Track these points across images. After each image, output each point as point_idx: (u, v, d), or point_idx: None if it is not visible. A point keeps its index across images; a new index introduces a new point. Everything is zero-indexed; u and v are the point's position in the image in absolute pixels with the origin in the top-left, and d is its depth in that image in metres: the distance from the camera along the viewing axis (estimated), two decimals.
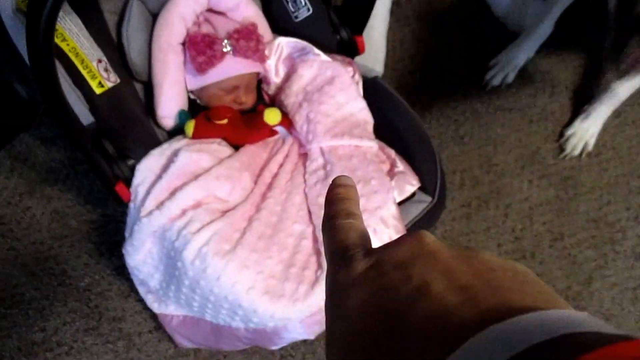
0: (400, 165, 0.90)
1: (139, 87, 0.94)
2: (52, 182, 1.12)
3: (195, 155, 0.83)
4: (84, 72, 0.80)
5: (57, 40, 0.77)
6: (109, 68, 0.85)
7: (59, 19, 0.81)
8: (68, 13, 0.81)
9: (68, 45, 0.79)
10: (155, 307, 0.92)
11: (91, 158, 0.78)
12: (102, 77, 0.82)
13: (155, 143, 0.89)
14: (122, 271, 1.04)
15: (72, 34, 0.80)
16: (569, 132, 1.20)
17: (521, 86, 1.28)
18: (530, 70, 1.28)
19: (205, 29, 0.90)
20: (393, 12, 1.32)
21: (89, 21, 0.83)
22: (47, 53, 0.57)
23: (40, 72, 0.59)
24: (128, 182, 0.85)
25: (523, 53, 1.23)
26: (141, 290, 0.93)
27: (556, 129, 1.24)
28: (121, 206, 1.02)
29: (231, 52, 0.89)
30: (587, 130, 1.19)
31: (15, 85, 1.12)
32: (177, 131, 0.92)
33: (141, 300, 0.98)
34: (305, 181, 0.87)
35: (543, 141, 1.25)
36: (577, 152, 1.20)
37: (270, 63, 0.96)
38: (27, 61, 0.73)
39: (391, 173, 0.89)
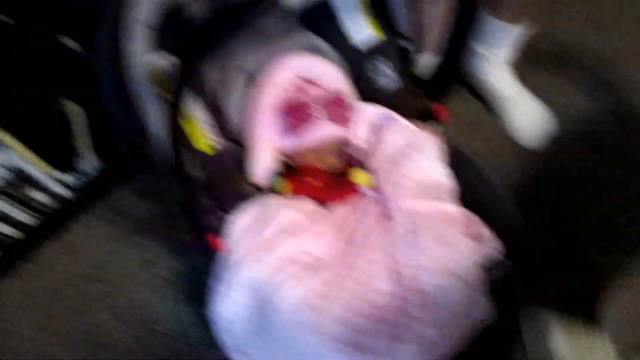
0: (484, 231, 0.92)
1: (234, 146, 1.02)
2: (145, 233, 1.21)
3: (291, 213, 0.89)
4: (197, 136, 0.89)
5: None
6: (216, 132, 0.93)
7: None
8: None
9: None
10: (239, 358, 0.96)
11: (194, 209, 0.85)
12: (210, 140, 0.91)
13: (248, 198, 0.96)
14: (205, 320, 1.09)
15: (186, 103, 0.90)
16: None
17: None
18: None
19: (299, 95, 0.98)
20: None
21: (196, 90, 0.93)
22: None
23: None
24: (221, 234, 0.91)
25: None
26: (225, 339, 0.97)
27: None
28: (208, 257, 1.09)
29: (323, 117, 0.96)
30: None
31: (119, 142, 1.24)
32: (268, 189, 0.99)
33: (223, 350, 1.02)
34: (391, 242, 0.91)
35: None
36: None
37: (357, 129, 1.02)
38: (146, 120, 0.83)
39: (475, 238, 0.91)
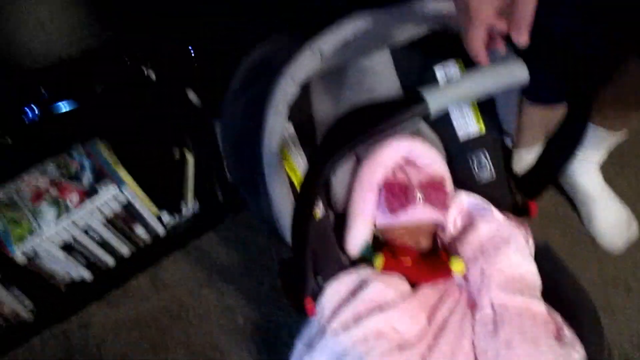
0: (567, 332, 0.93)
1: (331, 215, 1.08)
2: (228, 279, 1.27)
3: (382, 287, 0.93)
4: None
5: (289, 172, 0.94)
6: (320, 200, 0.99)
7: (293, 155, 0.99)
8: (298, 150, 0.98)
9: (297, 177, 0.95)
10: None
11: (302, 270, 0.90)
12: (317, 209, 0.97)
13: (341, 267, 1.01)
14: None
15: (299, 167, 0.97)
16: None
17: None
18: None
19: (401, 176, 1.04)
20: None
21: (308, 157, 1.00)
22: (315, 192, 0.71)
23: (302, 209, 0.73)
24: (314, 297, 0.96)
25: None
26: None
27: None
28: (287, 314, 1.13)
29: (421, 200, 1.01)
30: None
31: (217, 190, 1.33)
32: (358, 259, 1.03)
33: None
34: (474, 330, 0.93)
35: None
36: None
37: (451, 214, 1.06)
38: (265, 185, 0.90)
39: (558, 337, 0.92)
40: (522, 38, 0.63)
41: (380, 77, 1.07)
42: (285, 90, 0.82)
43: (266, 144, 0.86)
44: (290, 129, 0.99)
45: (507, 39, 0.67)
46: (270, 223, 0.93)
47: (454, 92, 0.68)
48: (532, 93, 1.12)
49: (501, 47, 0.70)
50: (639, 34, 0.93)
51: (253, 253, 1.31)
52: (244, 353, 1.17)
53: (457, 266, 0.96)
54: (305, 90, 1.02)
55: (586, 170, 1.35)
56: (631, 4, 0.82)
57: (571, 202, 1.42)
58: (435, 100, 0.67)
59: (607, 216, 1.34)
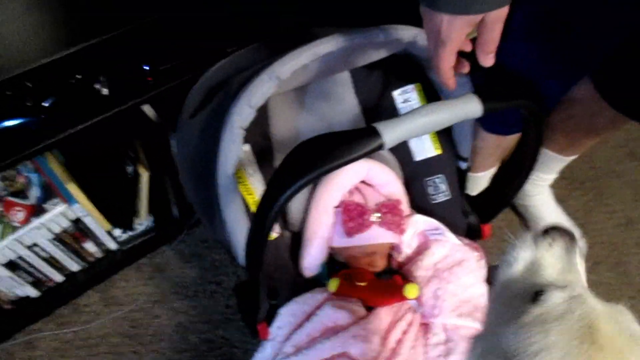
0: None
1: (286, 235, 1.07)
2: (182, 296, 1.24)
3: (336, 311, 0.93)
4: None
5: (245, 195, 0.93)
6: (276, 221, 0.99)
7: (250, 177, 0.97)
8: (254, 172, 0.97)
9: (253, 199, 0.94)
10: None
11: (256, 296, 0.89)
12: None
13: (295, 288, 1.00)
14: None
15: (256, 189, 0.96)
16: None
17: None
18: None
19: (357, 197, 1.04)
20: None
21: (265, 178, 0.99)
22: (271, 224, 0.70)
23: (257, 237, 0.73)
24: (268, 321, 0.95)
25: None
26: None
27: None
28: (240, 335, 1.12)
29: (378, 222, 1.01)
30: None
31: (172, 205, 1.30)
32: (313, 280, 1.03)
33: None
34: (426, 352, 0.94)
35: None
36: None
37: (406, 236, 1.07)
38: (221, 209, 0.89)
39: None
40: (488, 60, 0.65)
41: (340, 100, 1.07)
42: (241, 115, 0.81)
43: (221, 168, 0.84)
44: (247, 150, 0.98)
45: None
46: (224, 245, 0.92)
47: (409, 127, 0.68)
48: (488, 123, 1.14)
49: (466, 69, 0.71)
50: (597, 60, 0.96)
51: (208, 269, 1.29)
52: None
53: (411, 293, 0.96)
54: (263, 110, 1.01)
55: (538, 191, 1.38)
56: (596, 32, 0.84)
57: (524, 221, 1.46)
58: (390, 135, 0.67)
59: None
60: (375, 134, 0.67)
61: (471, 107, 0.71)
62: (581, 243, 1.40)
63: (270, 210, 0.69)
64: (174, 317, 1.22)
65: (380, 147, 0.67)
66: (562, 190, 1.52)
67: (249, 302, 0.91)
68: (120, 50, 0.96)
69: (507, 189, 1.04)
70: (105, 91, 0.97)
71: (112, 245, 1.24)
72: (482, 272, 1.05)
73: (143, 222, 1.25)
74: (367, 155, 0.67)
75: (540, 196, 1.39)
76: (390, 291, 0.99)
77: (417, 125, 0.69)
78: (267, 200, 0.69)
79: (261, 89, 0.81)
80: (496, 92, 0.75)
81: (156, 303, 1.23)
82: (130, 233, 1.25)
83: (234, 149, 0.83)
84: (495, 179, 1.05)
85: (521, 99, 0.76)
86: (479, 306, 1.00)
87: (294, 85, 0.99)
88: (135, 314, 1.22)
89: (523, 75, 0.93)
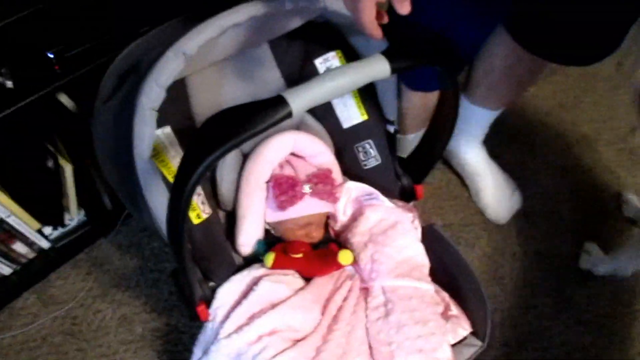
0: (454, 309, 0.98)
1: (221, 214, 1.05)
2: (123, 287, 1.22)
3: (274, 286, 0.93)
4: None
5: (169, 177, 0.91)
6: (205, 200, 0.97)
7: (172, 159, 0.95)
8: (177, 153, 0.95)
9: None
10: None
11: (187, 279, 0.88)
12: (199, 210, 0.94)
13: (233, 268, 0.99)
14: None
15: None
16: None
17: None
18: None
19: (288, 170, 1.04)
20: None
21: None
22: (187, 205, 0.69)
23: (175, 220, 0.71)
24: (207, 302, 0.94)
25: None
26: None
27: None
28: (187, 320, 1.10)
29: (309, 193, 1.01)
30: None
31: (103, 197, 1.26)
32: (252, 257, 1.02)
33: None
34: (367, 316, 0.95)
35: (576, 286, 1.33)
36: None
37: (340, 204, 1.07)
38: (143, 194, 0.87)
39: (446, 316, 0.97)
40: (404, 7, 0.66)
41: (262, 74, 1.05)
42: (150, 96, 0.79)
43: (137, 152, 0.82)
44: (168, 132, 0.95)
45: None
46: (153, 231, 0.90)
47: (317, 92, 0.67)
48: (410, 81, 1.14)
49: (385, 20, 0.72)
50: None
51: (148, 257, 1.26)
52: None
53: (345, 259, 0.97)
54: (182, 90, 0.99)
55: (470, 147, 1.41)
56: None
57: (461, 179, 1.49)
58: (298, 103, 0.67)
59: (492, 189, 1.42)
60: (283, 102, 0.66)
61: (379, 68, 0.71)
62: (517, 195, 1.44)
63: (183, 189, 0.67)
64: (117, 310, 1.19)
65: (289, 114, 0.67)
66: (496, 146, 1.55)
67: (182, 285, 0.90)
68: (20, 38, 0.91)
69: (434, 147, 1.05)
70: (9, 84, 0.92)
71: (45, 244, 1.20)
72: (417, 232, 1.06)
73: (74, 217, 1.21)
74: (277, 124, 0.66)
75: (473, 152, 1.41)
76: (326, 260, 0.99)
77: (324, 90, 0.68)
78: (180, 180, 0.68)
79: (168, 67, 0.78)
80: (404, 51, 0.74)
81: (97, 297, 1.20)
82: (62, 230, 1.21)
83: (146, 131, 0.80)
84: (422, 139, 1.06)
85: (429, 56, 0.76)
86: (416, 265, 1.01)
87: (209, 61, 0.97)
88: (76, 311, 1.19)
89: (438, 22, 0.93)
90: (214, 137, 0.66)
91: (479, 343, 0.97)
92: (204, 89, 1.02)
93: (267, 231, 1.06)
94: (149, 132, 0.80)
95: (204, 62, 0.96)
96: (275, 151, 1.03)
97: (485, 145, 1.46)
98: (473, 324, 0.98)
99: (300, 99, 0.66)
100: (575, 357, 1.22)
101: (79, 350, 1.14)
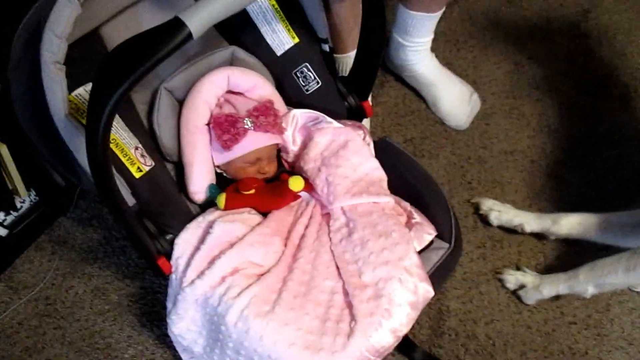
0: (417, 217, 0.97)
1: (170, 166, 1.02)
2: (91, 260, 1.20)
3: (229, 226, 0.91)
4: (124, 160, 0.89)
5: None
6: (145, 153, 0.94)
7: None
8: None
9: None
10: None
11: (136, 237, 0.86)
12: (140, 163, 0.91)
13: (190, 217, 0.97)
14: (164, 340, 1.10)
15: (112, 127, 0.89)
16: None
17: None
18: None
19: (227, 109, 1.00)
20: None
21: (124, 113, 0.93)
22: (105, 151, 0.66)
23: (98, 166, 0.68)
24: (168, 255, 0.92)
25: None
26: (185, 357, 0.99)
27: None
28: (161, 278, 1.09)
29: (252, 128, 0.98)
30: None
31: (52, 174, 1.22)
32: (209, 204, 1.00)
33: None
34: (330, 239, 0.94)
35: (546, 179, 1.32)
36: None
37: (288, 134, 1.05)
38: (75, 156, 0.83)
39: (409, 224, 0.96)
40: None
41: (178, 5, 0.99)
42: (51, 49, 0.75)
43: (53, 111, 0.79)
44: (89, 90, 0.91)
45: None
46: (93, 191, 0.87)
47: (213, 9, 0.63)
48: None
49: None
50: None
51: (112, 227, 1.24)
52: (126, 329, 1.12)
53: (295, 185, 0.95)
54: (98, 42, 0.93)
55: (420, 58, 1.37)
56: None
57: (417, 92, 1.45)
58: (196, 22, 0.63)
59: (449, 97, 1.39)
60: (180, 24, 0.62)
61: None
62: (475, 98, 1.41)
63: (96, 132, 0.64)
64: (89, 283, 1.17)
65: (190, 36, 0.63)
66: (447, 52, 1.51)
67: (133, 242, 0.88)
68: None
69: (370, 58, 1.02)
70: None
71: (1, 231, 1.16)
72: (369, 148, 1.04)
73: (24, 198, 1.17)
74: (178, 47, 0.63)
75: (424, 62, 1.37)
76: (279, 192, 0.97)
77: (221, 5, 0.64)
78: (91, 123, 0.64)
79: (63, 14, 0.74)
80: None
81: (67, 275, 1.18)
82: (17, 214, 1.18)
83: (57, 88, 0.77)
84: (357, 53, 1.02)
85: None
86: (373, 181, 1.00)
87: (118, 5, 0.91)
88: (47, 291, 1.17)
89: None
90: (116, 73, 0.62)
91: (445, 245, 0.97)
92: (121, 37, 0.96)
93: (220, 176, 1.03)
94: (60, 89, 0.76)
95: (111, 7, 0.91)
96: (209, 91, 0.99)
97: (436, 54, 1.42)
98: (438, 228, 0.98)
99: (197, 18, 0.62)
100: (550, 246, 1.22)
101: (57, 329, 1.13)
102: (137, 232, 0.86)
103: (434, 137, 1.39)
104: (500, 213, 1.22)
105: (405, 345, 1.07)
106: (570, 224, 1.15)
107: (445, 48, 1.52)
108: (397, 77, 1.46)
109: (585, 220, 1.14)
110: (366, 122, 1.13)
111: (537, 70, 1.51)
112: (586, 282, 1.05)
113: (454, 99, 1.39)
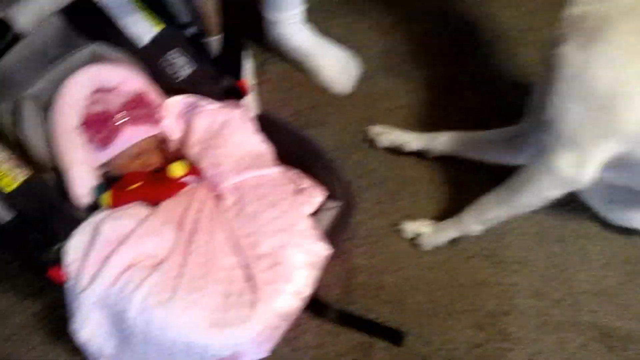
0: (305, 182, 1.00)
1: (52, 175, 0.99)
2: None
3: (116, 223, 0.90)
4: None
5: None
6: (16, 165, 0.90)
7: None
8: None
9: None
10: None
11: (18, 253, 0.83)
12: (10, 176, 0.88)
13: (78, 223, 0.95)
14: (78, 351, 1.07)
15: None
16: None
17: None
18: None
19: (98, 107, 0.98)
20: None
21: None
22: None
23: None
24: (60, 265, 0.90)
25: None
26: None
27: None
28: (61, 290, 1.06)
29: (127, 122, 0.96)
30: None
31: None
32: (98, 207, 0.98)
33: None
34: (225, 219, 0.95)
35: (431, 125, 1.39)
36: None
37: (167, 123, 1.04)
38: None
39: (298, 191, 0.99)
40: None
41: None
42: None
43: None
44: None
45: None
46: None
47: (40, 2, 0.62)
48: None
49: None
50: None
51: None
52: (38, 348, 1.09)
53: (174, 171, 0.95)
54: None
55: (295, 30, 1.39)
56: None
57: (298, 65, 1.47)
58: (23, 19, 0.61)
59: (329, 64, 1.42)
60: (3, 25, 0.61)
61: None
62: (354, 62, 1.45)
63: None
64: None
65: (17, 37, 0.61)
66: (322, 22, 1.53)
67: (15, 255, 0.85)
68: None
69: (234, 35, 1.03)
70: None
71: None
72: (250, 124, 1.05)
73: None
74: (8, 49, 0.61)
75: (299, 35, 1.40)
76: (165, 181, 0.97)
77: None
78: None
79: None
80: None
81: None
82: None
83: None
84: (223, 33, 1.03)
85: None
86: (257, 155, 1.02)
87: None
88: None
89: None
90: None
91: (337, 203, 1.00)
92: None
93: (105, 175, 1.01)
94: None
95: None
96: (74, 93, 0.96)
97: (312, 25, 1.44)
98: (328, 189, 1.01)
99: (25, 15, 0.61)
100: (443, 195, 1.29)
101: None
102: (20, 247, 0.84)
103: (321, 105, 1.42)
104: (387, 134, 1.30)
105: (318, 307, 1.11)
106: (446, 140, 1.25)
107: (318, 18, 1.54)
108: (277, 53, 1.47)
109: (459, 137, 1.24)
110: (252, 101, 1.14)
111: (415, 27, 1.57)
112: (472, 222, 1.13)
113: (334, 65, 1.43)
